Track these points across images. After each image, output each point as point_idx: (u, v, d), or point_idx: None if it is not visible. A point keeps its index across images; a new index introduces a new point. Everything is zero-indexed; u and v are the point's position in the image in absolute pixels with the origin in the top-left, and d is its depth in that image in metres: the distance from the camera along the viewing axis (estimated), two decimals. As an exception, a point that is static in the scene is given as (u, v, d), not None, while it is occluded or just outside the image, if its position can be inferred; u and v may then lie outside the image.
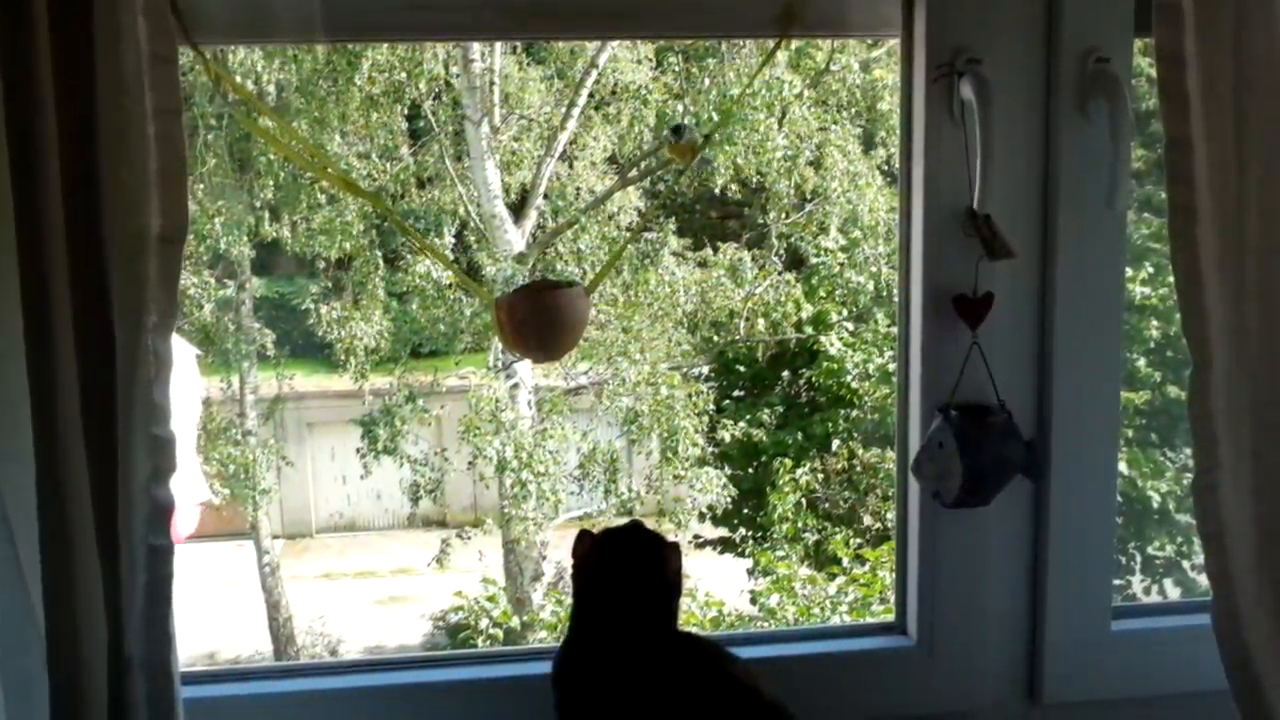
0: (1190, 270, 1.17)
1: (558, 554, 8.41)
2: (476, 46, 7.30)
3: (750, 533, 8.33)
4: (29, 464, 1.05)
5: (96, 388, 1.05)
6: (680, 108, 7.76)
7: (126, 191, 1.05)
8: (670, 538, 1.31)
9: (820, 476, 8.22)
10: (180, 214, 1.11)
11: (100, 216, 1.03)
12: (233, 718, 1.40)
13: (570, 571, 1.32)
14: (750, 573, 7.69)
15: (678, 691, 1.20)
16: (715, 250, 8.09)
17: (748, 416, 8.61)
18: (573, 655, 1.27)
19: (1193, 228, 1.16)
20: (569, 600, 1.31)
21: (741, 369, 8.99)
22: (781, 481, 7.69)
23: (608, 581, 1.27)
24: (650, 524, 1.32)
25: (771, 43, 1.41)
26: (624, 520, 1.35)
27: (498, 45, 7.48)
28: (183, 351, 1.91)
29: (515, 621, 7.35)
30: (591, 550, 1.29)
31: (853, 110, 7.74)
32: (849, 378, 8.13)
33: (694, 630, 1.32)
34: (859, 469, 8.31)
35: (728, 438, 8.37)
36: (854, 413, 8.25)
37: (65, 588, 1.06)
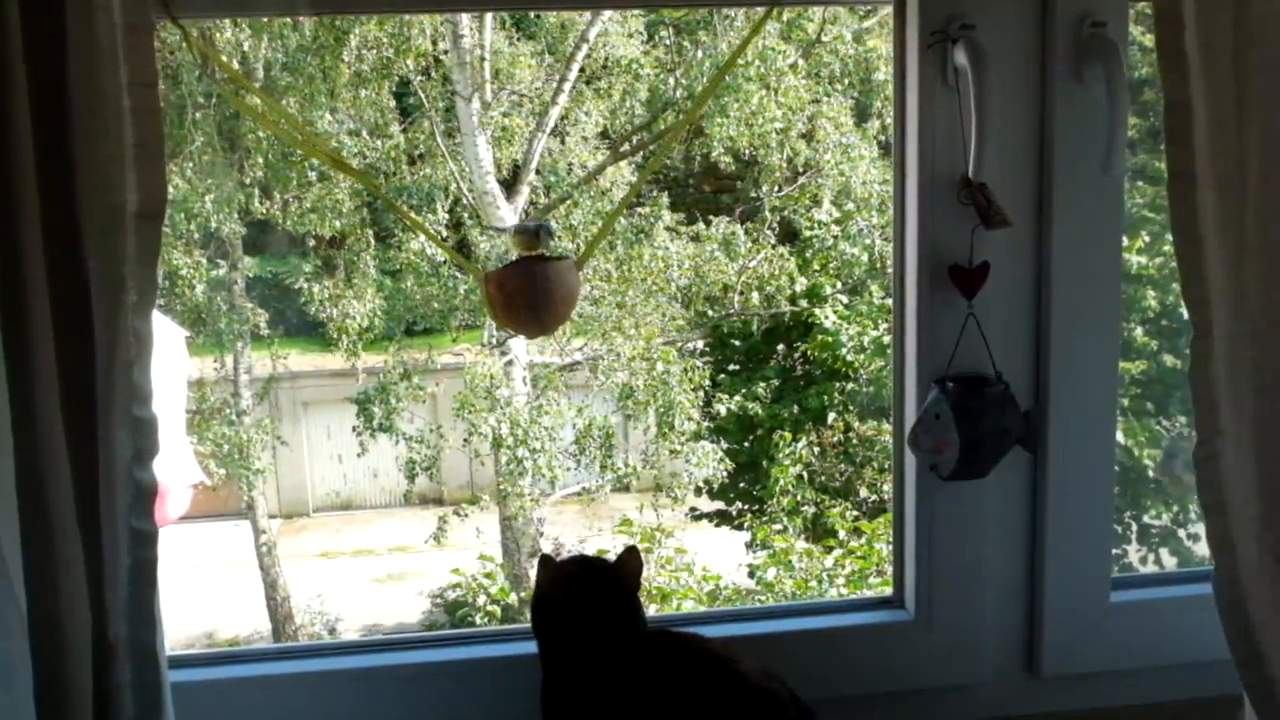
0: (1190, 234, 1.15)
1: (555, 530, 8.43)
2: (465, 21, 7.25)
3: (747, 506, 8.34)
4: (7, 446, 1.03)
5: (75, 369, 1.02)
6: (671, 81, 7.72)
7: (102, 167, 1.03)
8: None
9: (816, 449, 8.22)
10: (158, 190, 1.08)
11: (75, 193, 1.00)
12: (228, 701, 1.38)
13: (532, 604, 1.30)
14: (748, 546, 7.70)
15: (668, 690, 1.19)
16: (708, 224, 8.07)
17: (743, 390, 8.61)
18: (556, 694, 1.26)
19: (1192, 191, 1.13)
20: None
21: (736, 343, 8.98)
22: (781, 455, 7.69)
23: (573, 621, 1.27)
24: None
25: (761, 13, 1.38)
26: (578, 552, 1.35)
27: (487, 20, 7.43)
28: (171, 332, 1.89)
29: (513, 598, 7.36)
30: (555, 584, 1.28)
31: (845, 82, 7.71)
32: (844, 350, 8.12)
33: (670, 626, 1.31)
34: (855, 442, 8.31)
35: (723, 411, 8.37)
36: (849, 385, 8.25)
37: (47, 572, 1.04)
